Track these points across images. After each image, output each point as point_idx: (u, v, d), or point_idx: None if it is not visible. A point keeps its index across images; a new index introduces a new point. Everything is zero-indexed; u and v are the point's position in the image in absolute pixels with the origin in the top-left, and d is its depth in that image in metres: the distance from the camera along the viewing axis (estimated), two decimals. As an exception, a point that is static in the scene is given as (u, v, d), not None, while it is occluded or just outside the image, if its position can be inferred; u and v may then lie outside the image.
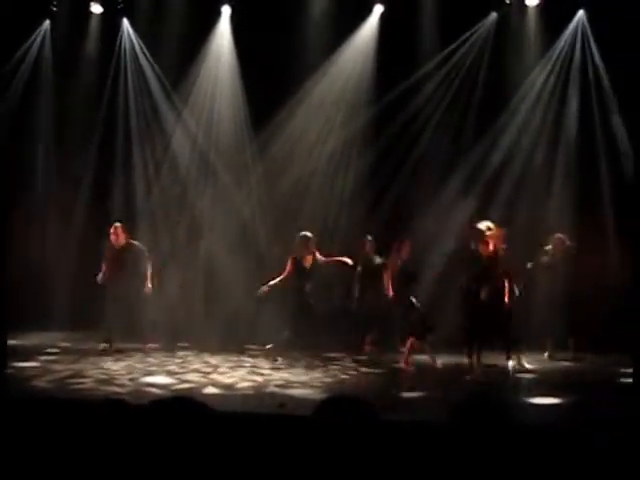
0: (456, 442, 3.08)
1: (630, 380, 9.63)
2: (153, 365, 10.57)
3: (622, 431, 6.27)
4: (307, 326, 11.13)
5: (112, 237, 11.91)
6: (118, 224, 12.02)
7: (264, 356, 11.26)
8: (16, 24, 13.37)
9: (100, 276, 11.86)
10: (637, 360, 9.52)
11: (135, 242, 12.11)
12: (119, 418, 3.13)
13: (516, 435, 3.17)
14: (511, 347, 10.47)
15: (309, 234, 11.49)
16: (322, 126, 13.62)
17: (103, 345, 11.74)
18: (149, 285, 11.97)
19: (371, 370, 10.50)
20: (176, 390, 8.71)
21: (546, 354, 11.68)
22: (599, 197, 12.78)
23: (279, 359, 10.98)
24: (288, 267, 11.36)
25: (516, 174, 12.98)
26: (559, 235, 11.76)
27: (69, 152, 13.90)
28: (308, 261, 11.44)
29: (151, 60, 13.98)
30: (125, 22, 14.07)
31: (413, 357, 10.84)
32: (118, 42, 14.06)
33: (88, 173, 13.91)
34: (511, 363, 10.42)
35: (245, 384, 9.25)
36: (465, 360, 10.39)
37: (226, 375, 9.86)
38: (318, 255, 11.53)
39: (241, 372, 10.13)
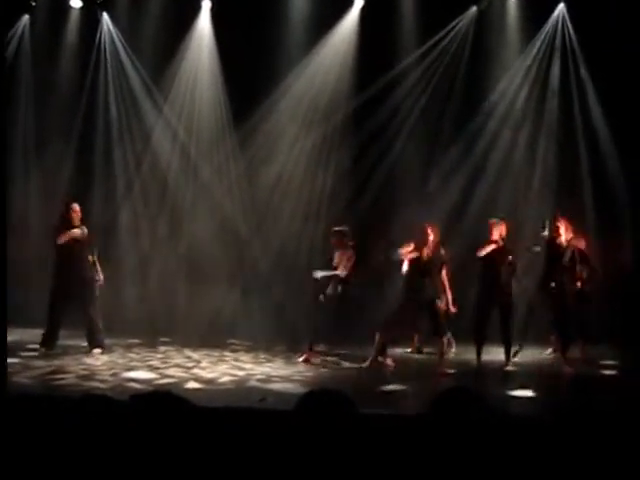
0: (436, 435, 3.10)
1: (614, 372, 9.74)
2: (134, 360, 10.53)
3: (605, 423, 6.31)
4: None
5: (73, 214, 10.84)
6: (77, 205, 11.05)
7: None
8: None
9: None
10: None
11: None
12: (100, 413, 3.12)
13: (497, 428, 3.18)
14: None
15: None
16: (303, 120, 13.61)
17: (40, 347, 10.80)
18: (100, 276, 10.95)
19: (353, 364, 10.49)
20: (157, 385, 8.68)
21: (550, 350, 11.41)
22: (580, 191, 12.88)
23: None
24: None
25: (497, 165, 13.06)
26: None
27: (48, 147, 13.82)
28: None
29: (131, 54, 13.93)
30: (105, 16, 14.00)
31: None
32: (98, 36, 14.00)
33: (68, 168, 13.84)
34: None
35: (226, 379, 9.24)
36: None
37: (208, 370, 9.85)
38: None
39: (223, 367, 10.13)
